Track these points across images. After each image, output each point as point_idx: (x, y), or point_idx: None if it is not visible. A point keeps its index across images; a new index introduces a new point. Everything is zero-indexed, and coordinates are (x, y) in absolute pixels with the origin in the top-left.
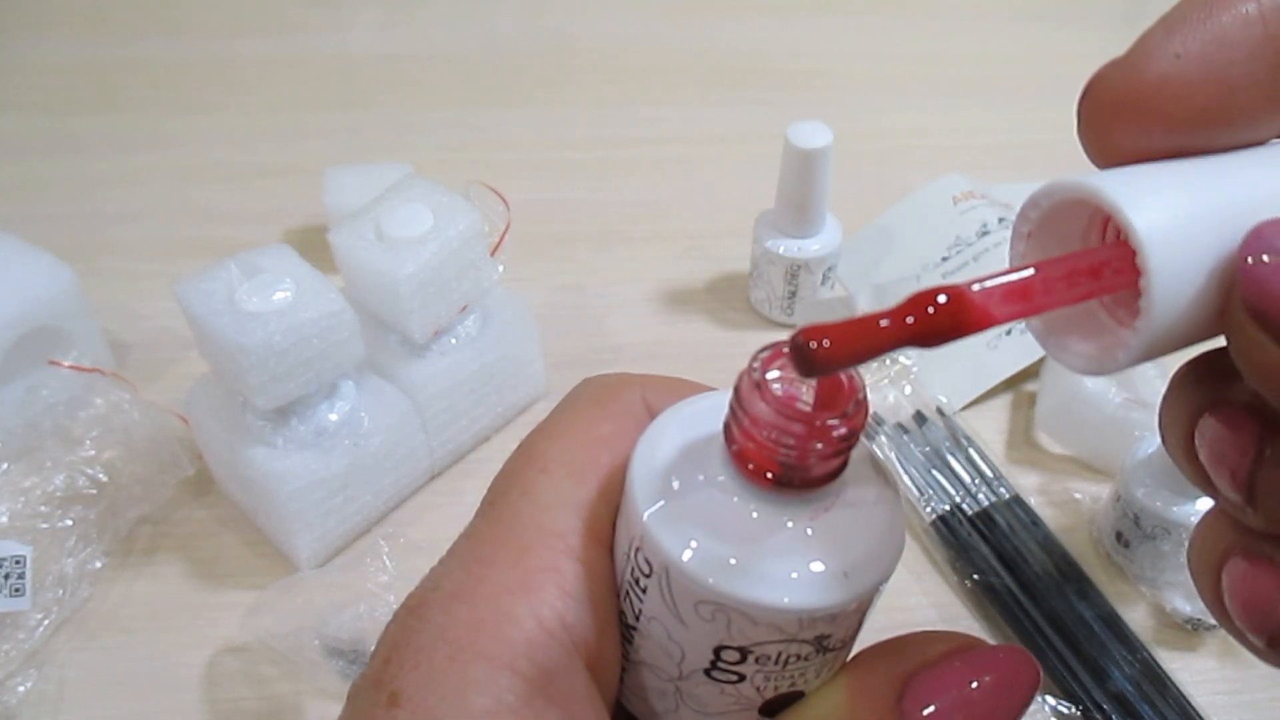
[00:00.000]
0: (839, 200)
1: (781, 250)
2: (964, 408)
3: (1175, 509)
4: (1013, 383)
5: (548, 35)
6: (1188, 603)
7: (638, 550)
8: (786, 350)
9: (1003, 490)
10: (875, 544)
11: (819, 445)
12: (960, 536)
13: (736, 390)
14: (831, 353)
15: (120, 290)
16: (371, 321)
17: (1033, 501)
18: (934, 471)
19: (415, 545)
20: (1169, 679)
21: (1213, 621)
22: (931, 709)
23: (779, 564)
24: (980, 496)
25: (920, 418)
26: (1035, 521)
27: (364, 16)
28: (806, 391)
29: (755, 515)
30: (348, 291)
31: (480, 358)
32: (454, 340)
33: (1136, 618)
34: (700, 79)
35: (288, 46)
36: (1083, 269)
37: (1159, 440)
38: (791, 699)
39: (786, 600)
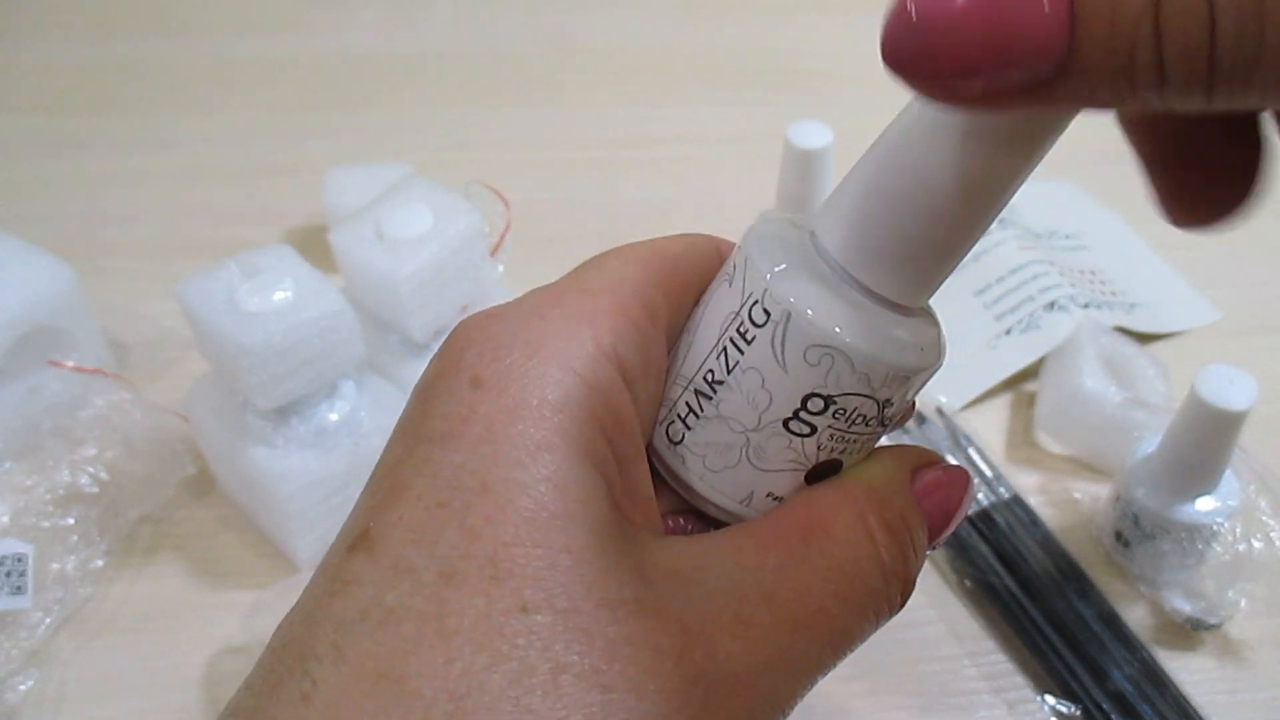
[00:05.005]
0: None
1: None
2: (964, 407)
3: (1175, 509)
4: (1013, 383)
5: (548, 35)
6: (1187, 602)
7: (755, 304)
8: None
9: (1002, 490)
10: (936, 340)
11: None
12: (960, 536)
13: None
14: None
15: (120, 290)
16: (371, 321)
17: (1032, 501)
18: None
19: None
20: (1168, 679)
21: (1212, 621)
22: (926, 484)
23: (880, 327)
24: (980, 496)
25: (920, 417)
26: (1035, 521)
27: (364, 16)
28: None
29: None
30: (348, 291)
31: None
32: None
33: (1136, 617)
34: (700, 79)
35: (288, 46)
36: None
37: (1159, 440)
38: (830, 471)
39: (883, 352)
